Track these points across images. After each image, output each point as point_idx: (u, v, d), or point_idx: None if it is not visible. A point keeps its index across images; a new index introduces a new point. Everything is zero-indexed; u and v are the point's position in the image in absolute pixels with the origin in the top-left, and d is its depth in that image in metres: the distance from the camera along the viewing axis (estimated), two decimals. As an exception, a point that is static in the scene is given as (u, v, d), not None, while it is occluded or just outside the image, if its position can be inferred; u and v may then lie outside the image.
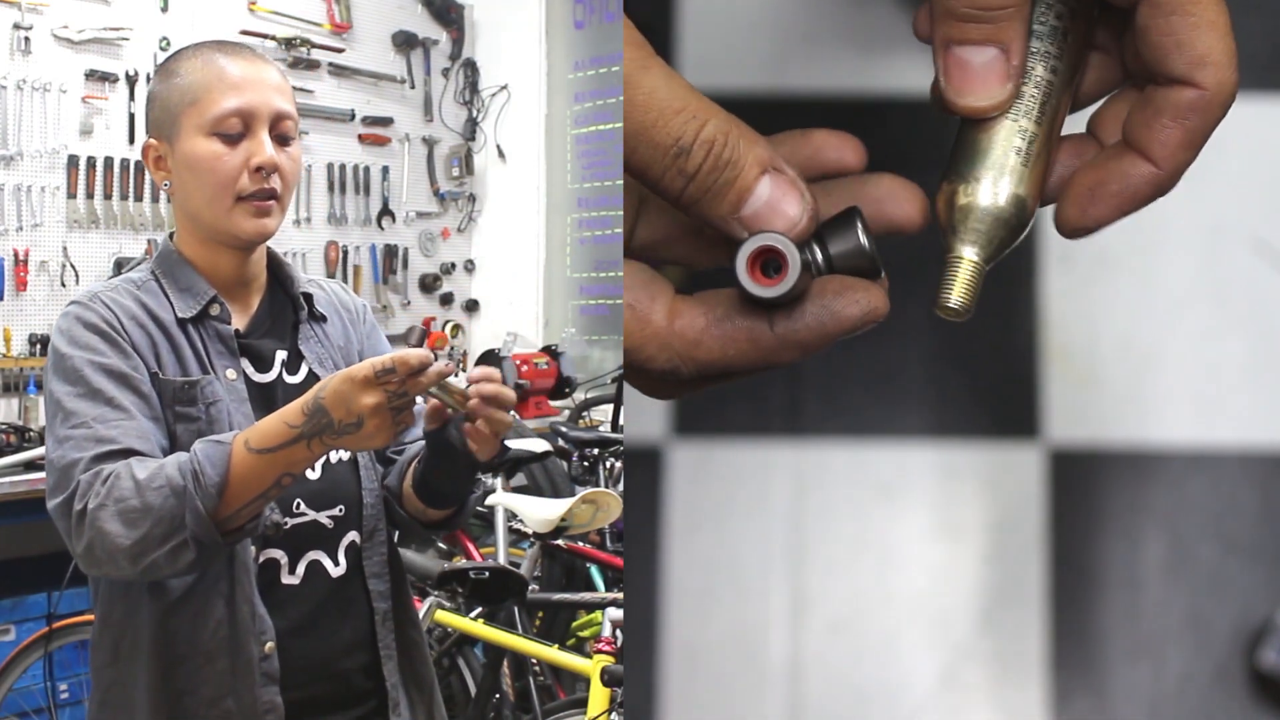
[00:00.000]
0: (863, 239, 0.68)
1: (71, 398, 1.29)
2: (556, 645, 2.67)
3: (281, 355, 1.45)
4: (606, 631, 2.47)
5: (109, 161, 3.96)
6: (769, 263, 0.65)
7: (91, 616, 1.43)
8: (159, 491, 1.20)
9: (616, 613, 2.50)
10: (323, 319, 1.51)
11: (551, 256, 5.09)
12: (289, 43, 4.42)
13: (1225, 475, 1.31)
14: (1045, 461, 1.33)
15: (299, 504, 1.40)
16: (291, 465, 1.24)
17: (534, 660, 2.81)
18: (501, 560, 3.04)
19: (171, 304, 1.39)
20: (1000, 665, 1.30)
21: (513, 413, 1.34)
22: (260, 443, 1.22)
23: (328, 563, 1.42)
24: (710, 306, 0.67)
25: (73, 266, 3.86)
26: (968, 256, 0.70)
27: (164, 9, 4.09)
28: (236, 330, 1.42)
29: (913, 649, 1.31)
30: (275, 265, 1.50)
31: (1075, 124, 0.74)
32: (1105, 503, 1.32)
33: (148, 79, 4.05)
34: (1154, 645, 1.29)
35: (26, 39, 3.74)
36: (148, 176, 4.04)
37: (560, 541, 2.98)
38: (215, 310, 1.40)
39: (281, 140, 1.39)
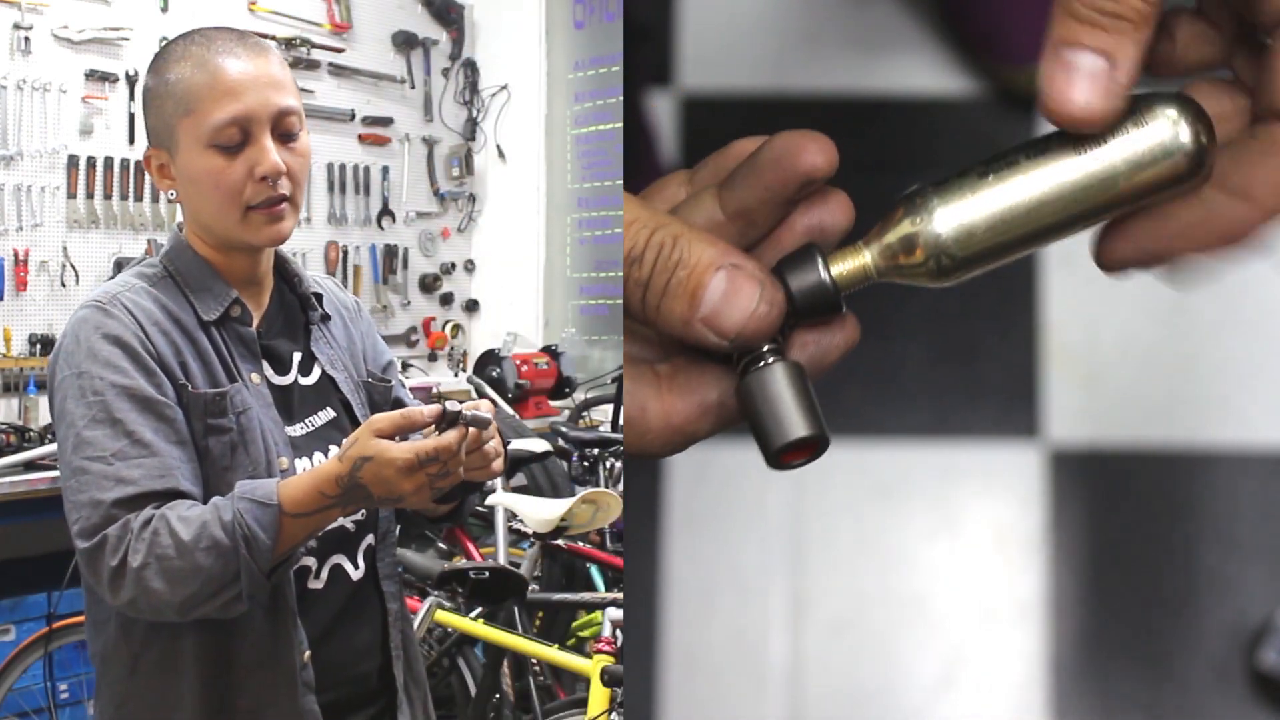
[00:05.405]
0: (823, 274, 0.66)
1: (90, 424, 1.24)
2: (556, 645, 2.66)
3: (297, 356, 1.42)
4: (606, 631, 2.47)
5: (109, 161, 3.95)
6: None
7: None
8: (207, 553, 1.19)
9: (616, 613, 2.50)
10: (327, 318, 1.49)
11: (551, 256, 5.08)
12: (289, 43, 4.41)
13: (1225, 475, 1.31)
14: (1045, 461, 1.32)
15: None
16: (325, 524, 1.27)
17: (534, 660, 2.80)
18: (501, 560, 3.04)
19: (192, 305, 1.34)
20: (1000, 665, 1.30)
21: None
22: (295, 508, 1.22)
23: (348, 566, 1.40)
24: (700, 395, 0.70)
25: (73, 266, 3.85)
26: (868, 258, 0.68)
27: (164, 9, 4.08)
28: (257, 331, 1.39)
29: (913, 649, 1.31)
30: (279, 262, 1.46)
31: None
32: (1105, 503, 1.32)
33: (148, 79, 4.04)
34: (1154, 645, 1.29)
35: (26, 39, 3.73)
36: (147, 177, 4.02)
37: (560, 541, 2.98)
38: (236, 312, 1.36)
39: (286, 138, 1.32)
